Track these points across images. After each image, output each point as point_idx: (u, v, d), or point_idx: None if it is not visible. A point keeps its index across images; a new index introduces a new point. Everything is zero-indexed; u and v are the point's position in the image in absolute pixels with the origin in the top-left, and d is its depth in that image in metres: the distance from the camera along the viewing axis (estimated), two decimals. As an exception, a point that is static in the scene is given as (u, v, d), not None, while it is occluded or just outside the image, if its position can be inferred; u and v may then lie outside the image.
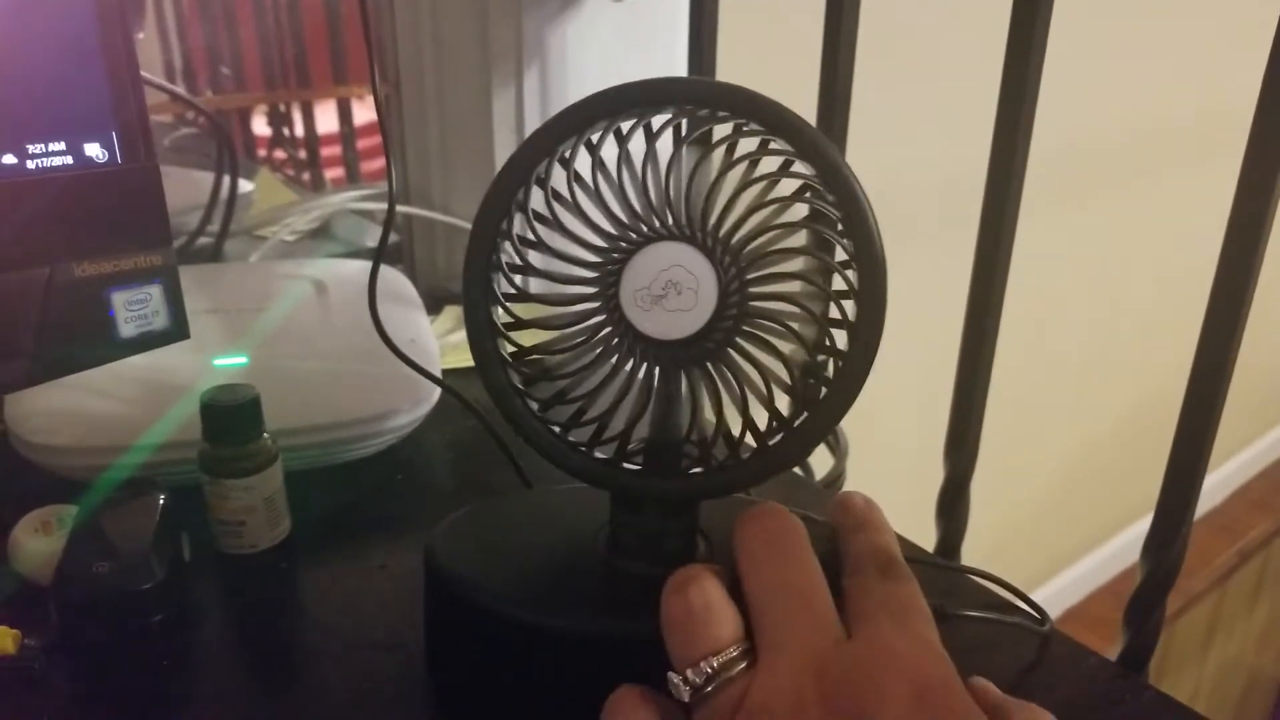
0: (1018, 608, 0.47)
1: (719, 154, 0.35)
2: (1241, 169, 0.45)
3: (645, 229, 0.35)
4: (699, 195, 0.35)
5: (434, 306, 0.76)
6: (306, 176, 1.32)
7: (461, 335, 0.71)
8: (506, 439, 0.52)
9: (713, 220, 0.34)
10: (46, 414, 0.51)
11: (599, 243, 0.35)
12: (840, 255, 0.35)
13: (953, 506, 0.65)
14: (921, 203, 1.11)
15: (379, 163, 1.17)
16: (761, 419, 0.36)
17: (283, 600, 0.48)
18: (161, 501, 0.46)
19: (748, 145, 0.36)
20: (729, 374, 0.35)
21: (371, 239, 0.92)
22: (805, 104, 0.62)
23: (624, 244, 0.35)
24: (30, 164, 0.39)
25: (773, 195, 0.35)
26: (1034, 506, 1.57)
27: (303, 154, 1.31)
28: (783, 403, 0.36)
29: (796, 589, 0.31)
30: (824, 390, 0.35)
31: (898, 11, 0.91)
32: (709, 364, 0.35)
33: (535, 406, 0.38)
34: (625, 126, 0.36)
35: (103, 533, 0.44)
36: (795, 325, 0.35)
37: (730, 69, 0.74)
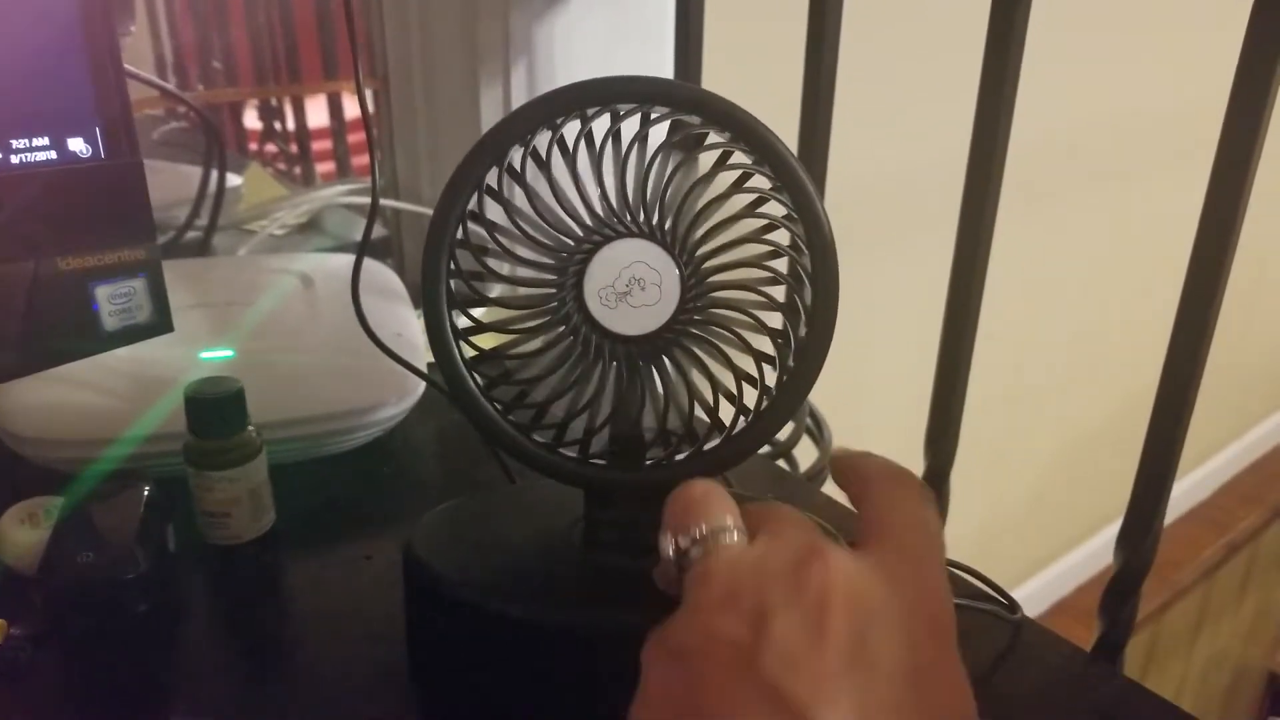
0: (992, 598, 0.48)
1: (674, 152, 0.36)
2: (1213, 167, 0.46)
3: (605, 227, 0.36)
4: (657, 191, 0.35)
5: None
6: (298, 170, 1.32)
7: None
8: (481, 433, 0.53)
9: (671, 215, 0.35)
10: (33, 406, 0.52)
11: (564, 242, 0.36)
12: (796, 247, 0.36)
13: (933, 498, 0.66)
14: (906, 200, 1.12)
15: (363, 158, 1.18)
16: (725, 407, 0.37)
17: (267, 591, 0.48)
18: (146, 493, 0.47)
19: (701, 142, 0.37)
20: (692, 365, 0.36)
21: (359, 232, 0.92)
22: (788, 100, 0.63)
23: (585, 244, 0.36)
24: (14, 159, 0.39)
25: (726, 189, 0.36)
26: (1023, 499, 1.58)
27: (294, 148, 1.31)
28: (745, 391, 0.37)
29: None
30: (784, 376, 0.36)
31: (882, 6, 0.91)
32: (673, 356, 0.36)
33: (500, 408, 0.38)
34: (570, 130, 0.37)
35: (88, 523, 0.45)
36: (756, 314, 0.36)
37: (716, 64, 0.75)
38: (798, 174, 0.35)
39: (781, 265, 0.36)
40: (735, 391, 0.37)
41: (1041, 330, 1.39)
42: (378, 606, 0.47)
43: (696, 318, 0.36)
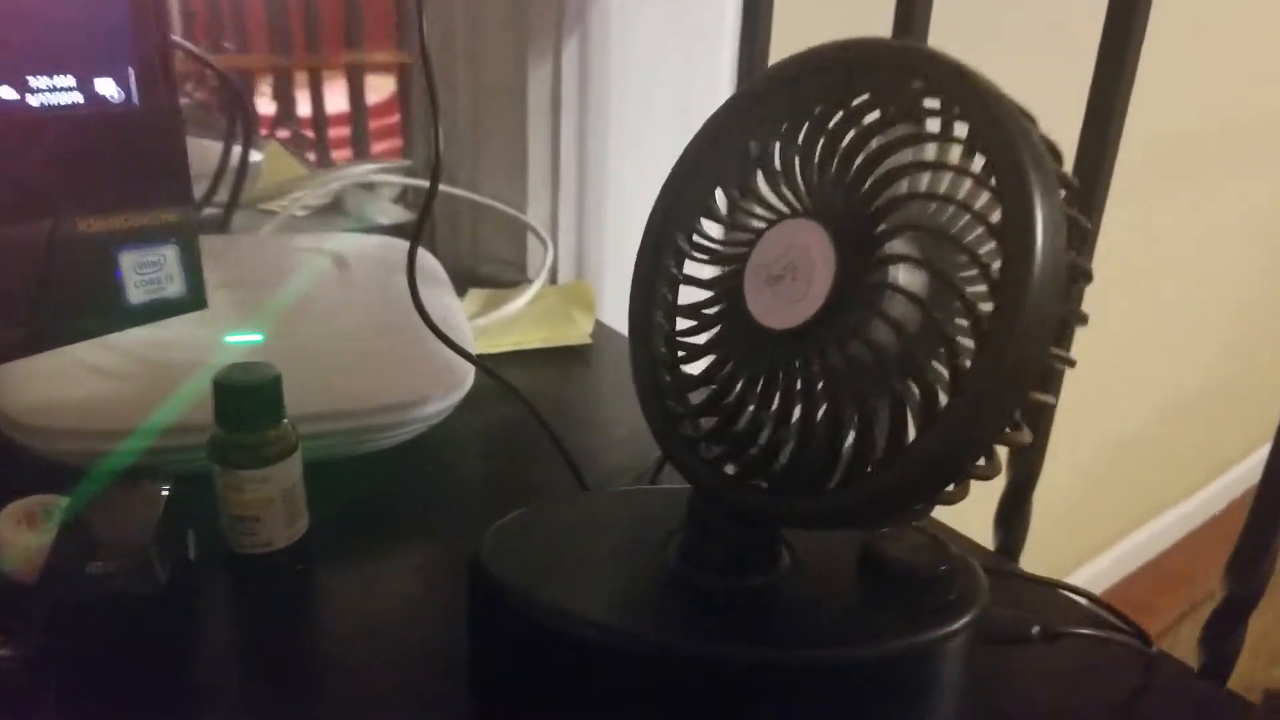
0: (1117, 626, 0.43)
1: (890, 132, 0.31)
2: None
3: (785, 204, 0.32)
4: (844, 176, 0.30)
5: (458, 289, 0.71)
6: (312, 157, 1.26)
7: (488, 319, 0.66)
8: (553, 434, 0.47)
9: (852, 205, 0.30)
10: (37, 391, 0.46)
11: (753, 209, 0.33)
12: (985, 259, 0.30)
13: (1013, 516, 0.61)
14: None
15: (384, 145, 1.12)
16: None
17: (303, 606, 0.43)
18: (165, 492, 0.41)
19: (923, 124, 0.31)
20: (827, 380, 0.31)
21: (384, 215, 0.87)
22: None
23: (764, 218, 0.32)
24: (32, 100, 0.34)
25: (931, 186, 0.30)
26: (1068, 492, 1.54)
27: (309, 133, 1.26)
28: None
29: None
30: (942, 414, 0.29)
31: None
32: (804, 363, 0.31)
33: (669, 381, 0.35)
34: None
35: (98, 527, 0.39)
36: (917, 338, 0.30)
37: (784, 44, 0.70)
38: (1023, 176, 0.28)
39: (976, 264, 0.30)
40: (895, 422, 0.30)
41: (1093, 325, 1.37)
42: (428, 624, 0.41)
43: (839, 330, 0.30)
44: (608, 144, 0.74)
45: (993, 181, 0.29)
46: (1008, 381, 0.28)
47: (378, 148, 1.09)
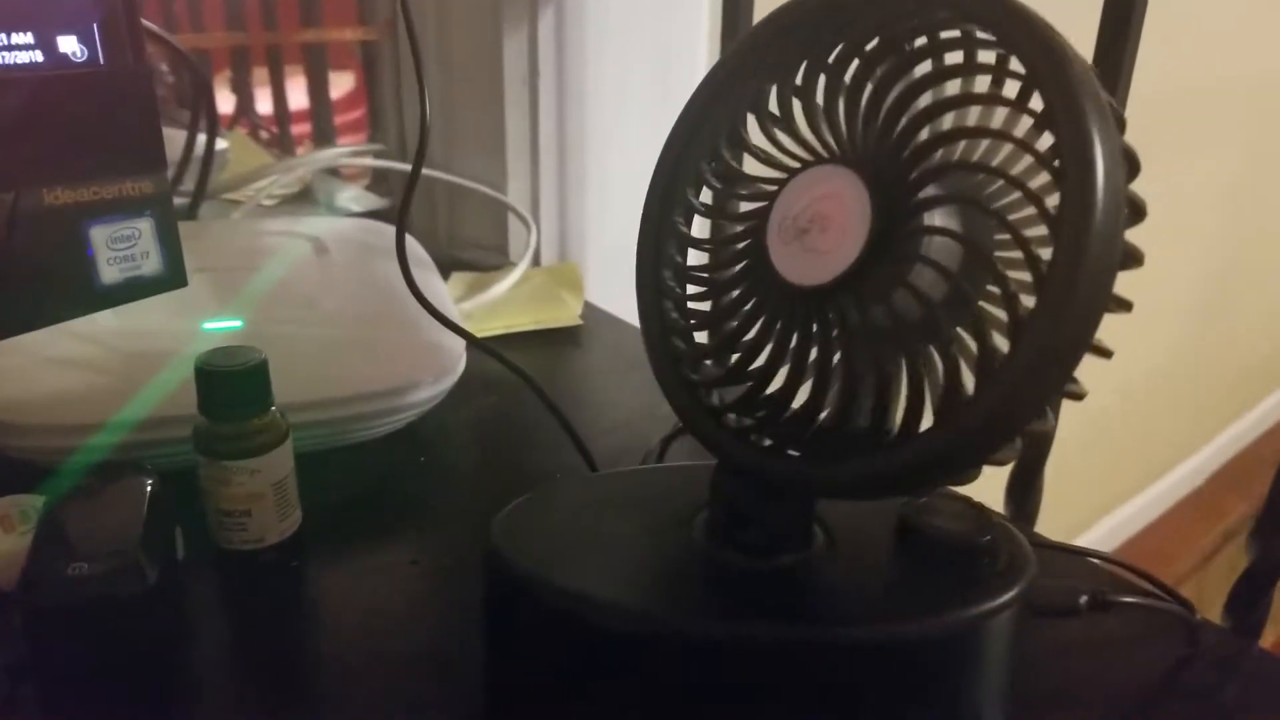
0: (1158, 595, 0.41)
1: (921, 68, 0.29)
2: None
3: (811, 149, 0.29)
4: (875, 115, 0.28)
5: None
6: (277, 153, 1.22)
7: (474, 303, 0.63)
8: (561, 415, 0.45)
9: (886, 146, 0.28)
10: (7, 386, 0.43)
11: (772, 159, 0.30)
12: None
13: (1025, 489, 0.60)
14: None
15: (347, 140, 1.09)
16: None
17: (297, 606, 0.40)
18: (149, 487, 0.38)
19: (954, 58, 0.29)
20: (869, 335, 0.28)
21: (356, 203, 0.84)
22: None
23: (786, 166, 0.29)
24: (-13, 60, 0.31)
25: (971, 120, 0.28)
26: (1069, 453, 1.56)
27: (272, 130, 1.21)
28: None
29: None
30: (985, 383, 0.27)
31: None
32: (841, 320, 0.29)
33: (684, 349, 0.33)
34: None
35: (79, 526, 0.36)
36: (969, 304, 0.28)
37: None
38: (1077, 103, 0.25)
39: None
40: (952, 381, 0.28)
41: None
42: (433, 621, 0.39)
43: (873, 288, 0.28)
44: (586, 118, 0.71)
45: (1033, 105, 0.27)
46: (1072, 328, 0.26)
47: (341, 142, 1.06)
